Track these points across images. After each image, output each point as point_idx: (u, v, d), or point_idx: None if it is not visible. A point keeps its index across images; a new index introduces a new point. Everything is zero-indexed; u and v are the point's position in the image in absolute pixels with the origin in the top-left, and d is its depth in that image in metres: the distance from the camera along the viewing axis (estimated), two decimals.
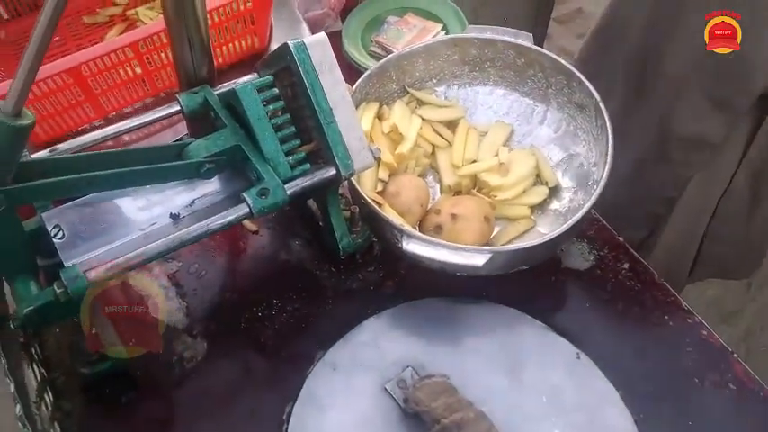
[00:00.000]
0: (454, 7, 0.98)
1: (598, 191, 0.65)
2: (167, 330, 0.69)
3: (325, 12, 0.98)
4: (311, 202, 0.73)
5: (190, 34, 0.61)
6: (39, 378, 0.60)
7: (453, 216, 0.69)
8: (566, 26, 2.32)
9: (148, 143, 0.83)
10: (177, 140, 0.65)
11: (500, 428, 0.58)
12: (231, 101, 0.61)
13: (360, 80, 0.74)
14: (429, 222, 0.71)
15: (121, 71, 0.83)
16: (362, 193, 0.66)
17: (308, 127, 0.62)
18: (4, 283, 0.61)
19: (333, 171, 0.60)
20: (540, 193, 0.76)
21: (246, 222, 0.77)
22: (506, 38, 0.77)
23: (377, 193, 0.73)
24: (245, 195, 0.57)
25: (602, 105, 0.70)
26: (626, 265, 0.74)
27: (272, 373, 0.66)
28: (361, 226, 0.70)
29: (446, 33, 0.96)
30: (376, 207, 0.65)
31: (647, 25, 0.86)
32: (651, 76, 0.89)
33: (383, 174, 0.74)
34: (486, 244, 0.71)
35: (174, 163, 0.58)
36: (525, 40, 0.77)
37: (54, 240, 0.58)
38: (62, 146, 0.61)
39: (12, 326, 0.57)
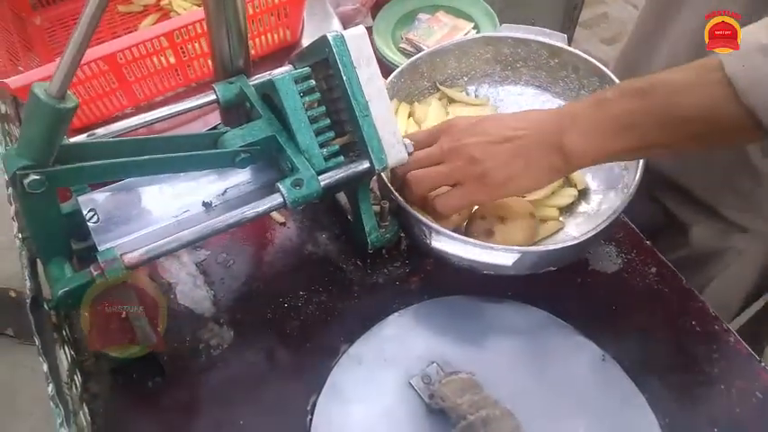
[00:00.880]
0: (486, 6, 0.98)
1: (629, 195, 0.65)
2: (194, 318, 0.70)
3: (356, 7, 0.99)
4: (340, 196, 0.74)
5: (228, 23, 0.61)
6: (69, 360, 0.61)
7: (501, 218, 0.68)
8: (591, 30, 2.31)
9: (178, 131, 0.84)
10: (212, 129, 0.65)
11: (524, 428, 0.58)
12: (268, 91, 0.62)
13: (392, 76, 0.74)
14: (477, 228, 0.69)
15: (155, 60, 0.84)
16: (392, 187, 0.66)
17: (341, 120, 0.63)
18: (38, 265, 0.62)
19: (366, 164, 0.61)
20: (568, 195, 0.76)
21: (274, 214, 0.77)
22: (540, 38, 0.77)
23: None
24: (279, 185, 0.57)
25: None
26: (653, 270, 0.73)
27: (297, 365, 0.67)
28: (390, 221, 0.70)
29: (477, 32, 0.96)
30: (404, 203, 0.65)
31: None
32: None
33: None
34: None
35: (210, 151, 0.59)
36: (559, 40, 0.76)
37: (89, 224, 0.59)
38: (99, 131, 0.61)
39: (46, 307, 0.58)
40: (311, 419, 0.62)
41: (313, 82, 0.61)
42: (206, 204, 0.63)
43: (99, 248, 0.57)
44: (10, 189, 0.60)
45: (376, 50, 0.94)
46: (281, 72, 0.63)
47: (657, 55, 0.85)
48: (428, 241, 0.64)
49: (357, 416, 0.63)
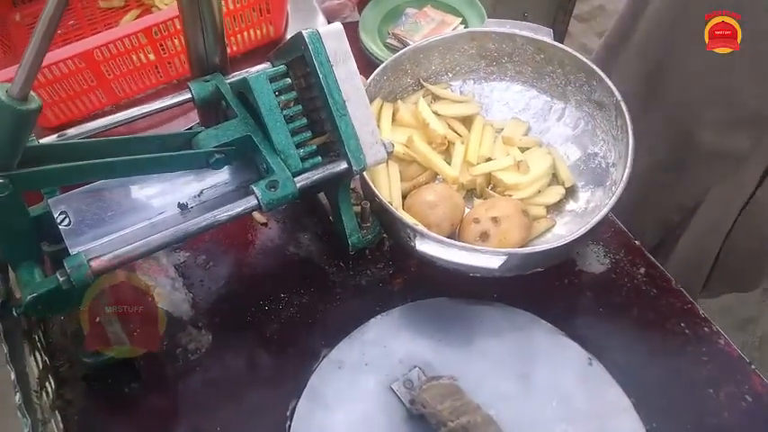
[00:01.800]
0: (474, 0, 0.96)
1: (617, 193, 0.63)
2: (172, 321, 0.68)
3: (342, 2, 0.97)
4: (322, 196, 0.72)
5: (203, 20, 0.60)
6: (41, 366, 0.60)
7: (495, 219, 0.67)
8: (587, 24, 2.29)
9: (160, 130, 0.83)
10: (188, 129, 0.64)
11: None
12: (243, 90, 0.60)
13: (374, 73, 0.73)
14: (471, 232, 0.68)
15: (134, 57, 0.82)
16: (375, 190, 0.64)
17: (320, 119, 0.61)
18: (9, 269, 0.61)
19: (344, 165, 0.59)
20: (556, 193, 0.74)
21: (256, 214, 0.76)
22: (526, 33, 0.75)
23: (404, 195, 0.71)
24: (253, 188, 0.56)
25: (623, 105, 0.68)
26: (642, 270, 0.72)
27: (276, 369, 0.65)
28: (372, 222, 0.68)
29: (465, 27, 0.94)
30: (389, 205, 0.64)
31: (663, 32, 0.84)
32: (668, 83, 0.87)
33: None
34: None
35: (182, 152, 0.57)
36: (545, 35, 0.75)
37: (60, 227, 0.57)
38: (71, 131, 0.60)
39: (15, 313, 0.56)
40: (290, 425, 0.61)
41: (289, 80, 0.59)
42: (182, 206, 0.61)
43: (71, 252, 0.56)
44: None
45: (362, 46, 0.92)
46: (258, 70, 0.62)
47: (635, 33, 0.86)
48: (413, 244, 0.63)
49: (337, 421, 0.61)
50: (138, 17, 0.96)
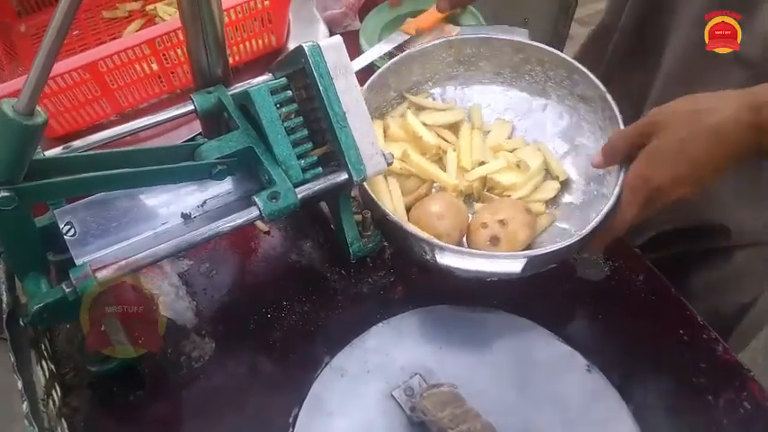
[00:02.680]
0: (472, 10, 0.97)
1: (621, 178, 0.64)
2: (176, 329, 0.69)
3: (343, 11, 0.98)
4: (323, 205, 0.73)
5: (205, 33, 0.60)
6: (47, 375, 0.60)
7: (502, 222, 0.67)
8: (588, 28, 2.29)
9: (164, 139, 0.83)
10: (189, 140, 0.65)
11: None
12: (245, 102, 0.61)
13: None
14: (481, 237, 0.68)
15: (138, 67, 0.83)
16: (385, 209, 0.64)
17: (321, 130, 0.62)
18: (15, 278, 0.62)
19: (345, 175, 0.60)
20: (551, 188, 0.75)
21: (258, 223, 0.77)
22: (501, 35, 0.77)
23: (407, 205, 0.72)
24: (255, 198, 0.57)
25: (609, 96, 0.70)
26: (641, 277, 0.72)
27: (279, 376, 0.66)
28: (372, 230, 0.69)
29: None
30: (401, 222, 0.63)
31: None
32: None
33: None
34: None
35: (185, 164, 0.58)
36: (521, 36, 0.76)
37: (65, 237, 0.58)
38: (76, 143, 0.61)
39: (22, 322, 0.57)
40: None
41: (290, 92, 0.60)
42: (185, 216, 0.62)
43: (76, 262, 0.56)
44: None
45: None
46: (259, 82, 0.63)
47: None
48: (432, 258, 0.63)
49: (339, 429, 0.62)
50: (141, 27, 0.97)
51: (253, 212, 0.57)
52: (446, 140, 0.78)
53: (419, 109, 0.80)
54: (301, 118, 0.61)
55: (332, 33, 0.97)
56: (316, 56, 0.57)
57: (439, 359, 0.66)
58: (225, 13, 0.74)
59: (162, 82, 0.88)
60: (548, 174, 0.77)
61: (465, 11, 0.98)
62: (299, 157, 0.60)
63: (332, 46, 0.58)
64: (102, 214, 0.61)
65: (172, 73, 0.87)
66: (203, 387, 0.65)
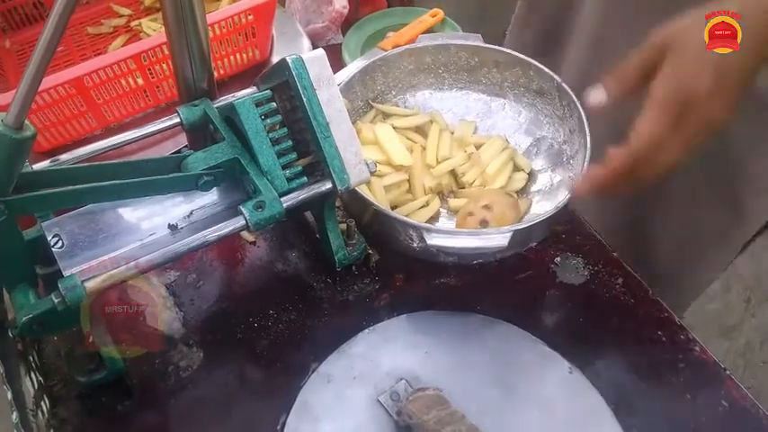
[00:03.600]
0: (453, 24, 0.99)
1: (589, 149, 0.68)
2: (164, 340, 0.70)
3: (326, 25, 0.99)
4: (308, 214, 0.74)
5: (190, 47, 0.62)
6: (36, 386, 0.61)
7: (487, 206, 0.70)
8: None
9: (150, 152, 0.84)
10: (176, 152, 0.65)
11: None
12: (230, 114, 0.62)
13: None
14: (470, 224, 0.70)
15: (123, 82, 0.84)
16: (368, 197, 0.66)
17: (305, 140, 0.63)
18: (3, 290, 0.62)
19: (329, 185, 0.61)
20: (520, 179, 0.79)
21: (244, 233, 0.78)
22: (457, 41, 0.80)
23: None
24: (241, 208, 0.58)
25: (565, 86, 0.74)
26: (620, 281, 0.74)
27: (266, 384, 0.67)
28: (357, 239, 0.70)
29: None
30: (388, 210, 0.66)
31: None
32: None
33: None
34: None
35: (172, 175, 0.59)
36: (476, 40, 0.80)
37: (53, 249, 0.59)
38: (63, 156, 0.61)
39: (10, 334, 0.58)
40: None
41: (274, 104, 0.61)
42: (172, 227, 0.63)
43: (64, 274, 0.57)
44: None
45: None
46: (243, 95, 0.64)
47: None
48: (421, 242, 0.64)
49: None
50: (126, 42, 0.98)
51: (239, 222, 0.58)
52: (414, 142, 0.81)
53: (385, 116, 0.83)
54: (286, 129, 0.62)
55: (315, 47, 0.98)
56: (299, 68, 0.58)
57: (424, 364, 0.67)
58: (209, 27, 0.75)
59: (147, 96, 0.89)
60: (515, 167, 0.80)
61: (445, 24, 1.00)
62: (284, 167, 0.61)
63: (314, 58, 0.59)
64: (89, 226, 0.61)
65: (157, 87, 0.88)
66: (192, 396, 0.66)
